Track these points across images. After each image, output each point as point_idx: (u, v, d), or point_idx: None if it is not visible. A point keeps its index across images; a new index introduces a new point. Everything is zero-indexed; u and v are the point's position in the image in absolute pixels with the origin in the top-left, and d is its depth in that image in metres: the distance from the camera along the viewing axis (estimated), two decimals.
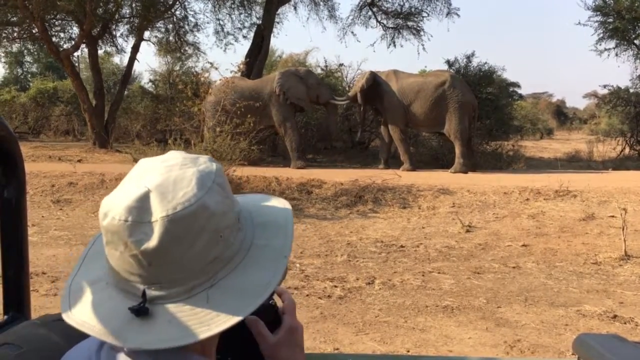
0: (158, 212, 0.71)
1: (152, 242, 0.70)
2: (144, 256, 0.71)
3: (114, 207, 0.73)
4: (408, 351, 3.82)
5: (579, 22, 17.20)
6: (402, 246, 6.85)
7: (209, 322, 0.71)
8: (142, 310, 0.71)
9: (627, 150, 17.56)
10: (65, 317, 0.76)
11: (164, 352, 0.72)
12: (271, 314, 0.87)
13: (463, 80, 13.40)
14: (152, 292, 0.72)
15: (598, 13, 16.78)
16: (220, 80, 13.30)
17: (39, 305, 4.43)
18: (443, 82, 12.47)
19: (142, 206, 0.72)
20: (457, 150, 12.40)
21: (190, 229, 0.72)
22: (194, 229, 0.72)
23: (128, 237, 0.71)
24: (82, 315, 0.74)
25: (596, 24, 16.90)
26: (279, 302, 0.90)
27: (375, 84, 12.89)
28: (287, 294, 0.91)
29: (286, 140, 13.26)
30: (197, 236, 0.72)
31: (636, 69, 17.56)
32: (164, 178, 0.74)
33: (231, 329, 0.74)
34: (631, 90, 17.61)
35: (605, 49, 17.22)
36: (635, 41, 17.11)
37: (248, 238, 0.79)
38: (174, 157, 0.79)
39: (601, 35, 17.00)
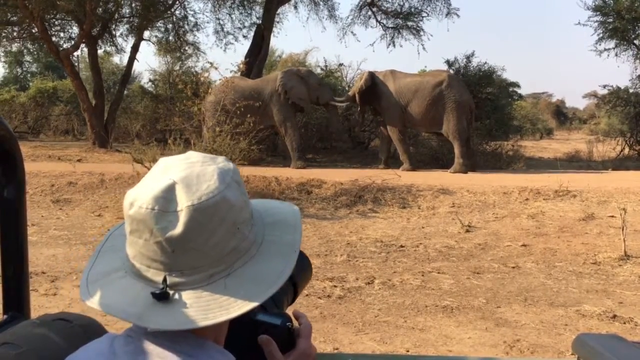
0: (183, 201, 0.76)
1: (177, 229, 0.74)
2: (168, 243, 0.75)
3: (141, 197, 0.77)
4: (407, 351, 3.83)
5: (579, 22, 17.22)
6: (401, 246, 6.85)
7: (228, 307, 0.75)
8: (163, 295, 0.74)
9: (626, 150, 17.55)
10: (87, 302, 0.79)
11: (182, 338, 0.76)
12: (285, 336, 0.87)
13: (461, 80, 13.41)
14: (173, 279, 0.76)
15: (598, 13, 16.78)
16: (220, 80, 13.31)
17: (39, 304, 4.43)
18: (440, 82, 12.49)
19: (168, 196, 0.76)
20: (456, 150, 12.41)
21: (212, 219, 0.76)
22: (215, 219, 0.76)
23: (154, 225, 0.75)
24: (104, 300, 0.77)
25: (596, 24, 16.93)
26: (295, 325, 0.90)
27: (373, 84, 12.90)
28: (305, 318, 0.93)
29: (286, 140, 13.26)
30: (217, 226, 0.76)
31: (636, 69, 17.58)
32: (187, 172, 0.79)
33: (244, 349, 0.79)
34: (631, 91, 17.60)
35: (605, 49, 17.24)
36: (635, 41, 17.11)
37: (260, 234, 0.83)
38: (194, 156, 0.84)
39: (601, 35, 17.01)
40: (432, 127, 12.81)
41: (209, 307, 0.74)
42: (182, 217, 0.75)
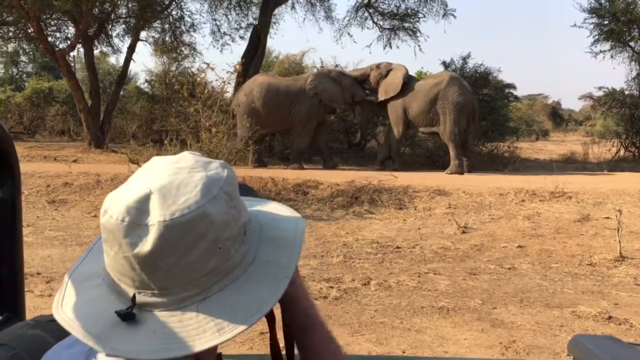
0: (156, 215, 0.68)
1: (146, 246, 0.67)
2: (135, 260, 0.68)
3: (114, 205, 0.70)
4: (404, 352, 3.82)
5: (575, 24, 17.29)
6: (398, 247, 6.85)
7: (194, 339, 0.67)
8: (128, 316, 0.68)
9: (622, 152, 17.59)
10: (54, 311, 0.73)
11: None
12: None
13: (463, 81, 13.41)
14: (142, 298, 0.69)
15: (593, 15, 16.86)
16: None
17: (34, 306, 4.41)
18: (440, 82, 12.64)
19: (141, 207, 0.69)
20: (451, 152, 12.52)
21: (186, 237, 0.68)
22: (190, 238, 0.68)
23: (123, 238, 0.68)
24: (70, 313, 0.72)
25: (591, 26, 17.01)
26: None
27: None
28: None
29: (297, 139, 13.35)
30: (193, 245, 0.68)
31: (631, 71, 17.65)
32: (169, 180, 0.71)
33: None
34: (626, 92, 17.66)
35: (601, 51, 17.31)
36: (630, 43, 17.18)
37: (252, 252, 0.74)
38: (186, 160, 0.75)
39: (596, 37, 17.09)
40: (430, 126, 12.97)
41: (174, 337, 0.67)
42: (152, 233, 0.67)
